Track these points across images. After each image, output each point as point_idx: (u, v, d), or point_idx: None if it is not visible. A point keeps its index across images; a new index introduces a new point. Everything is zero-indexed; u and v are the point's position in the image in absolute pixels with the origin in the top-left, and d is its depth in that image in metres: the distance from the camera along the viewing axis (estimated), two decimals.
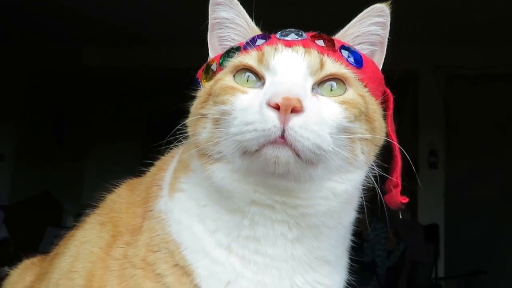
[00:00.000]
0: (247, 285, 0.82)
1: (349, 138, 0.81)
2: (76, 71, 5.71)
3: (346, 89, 0.84)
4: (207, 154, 0.83)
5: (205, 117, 0.84)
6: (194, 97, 0.91)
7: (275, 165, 0.76)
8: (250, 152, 0.77)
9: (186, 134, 0.90)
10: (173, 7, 4.53)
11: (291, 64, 0.81)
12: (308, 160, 0.77)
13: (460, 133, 5.41)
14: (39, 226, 4.67)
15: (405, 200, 0.86)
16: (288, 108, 0.73)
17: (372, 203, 0.90)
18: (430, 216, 5.10)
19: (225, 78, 0.85)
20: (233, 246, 0.83)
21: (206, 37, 0.96)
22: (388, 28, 0.93)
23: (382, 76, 0.93)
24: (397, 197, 0.86)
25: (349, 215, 0.91)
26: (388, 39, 0.94)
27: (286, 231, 0.83)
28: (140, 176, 1.04)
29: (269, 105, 0.74)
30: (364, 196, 0.91)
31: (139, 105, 6.25)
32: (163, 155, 1.03)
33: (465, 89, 5.31)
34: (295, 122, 0.74)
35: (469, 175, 5.50)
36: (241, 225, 0.83)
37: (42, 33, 5.20)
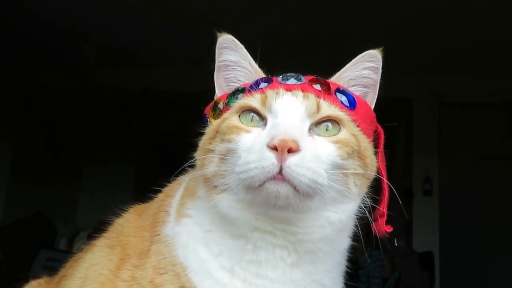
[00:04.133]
0: None
1: (343, 173, 0.87)
2: (73, 90, 5.75)
3: (340, 129, 0.91)
4: (213, 185, 0.89)
5: (212, 152, 0.91)
6: (202, 133, 0.99)
7: (276, 199, 0.83)
8: (254, 187, 0.84)
9: (193, 164, 0.97)
10: (173, 31, 4.61)
11: (290, 107, 0.90)
12: (305, 193, 0.84)
13: (454, 160, 5.44)
14: (32, 247, 4.63)
15: (389, 229, 0.94)
16: (284, 149, 0.81)
17: (366, 232, 0.94)
18: (425, 244, 5.09)
19: (231, 118, 0.93)
20: (235, 269, 0.89)
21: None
22: (380, 71, 1.00)
23: (374, 115, 1.01)
24: (382, 226, 0.94)
25: (344, 242, 0.97)
26: (380, 82, 1.02)
27: (285, 256, 0.90)
28: (147, 201, 1.08)
29: (268, 146, 0.82)
30: (358, 224, 0.97)
31: (134, 126, 6.27)
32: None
33: (458, 116, 5.37)
34: (291, 161, 0.81)
35: (464, 202, 5.50)
36: (244, 249, 0.90)
37: (38, 50, 5.26)
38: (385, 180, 0.96)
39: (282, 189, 0.82)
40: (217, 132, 0.93)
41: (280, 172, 0.81)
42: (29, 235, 4.94)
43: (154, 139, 6.34)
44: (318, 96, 0.92)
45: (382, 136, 0.99)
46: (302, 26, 4.33)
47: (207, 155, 0.92)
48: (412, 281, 4.71)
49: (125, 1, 4.25)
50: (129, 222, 1.03)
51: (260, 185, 0.83)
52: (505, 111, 5.28)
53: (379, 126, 1.00)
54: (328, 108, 0.92)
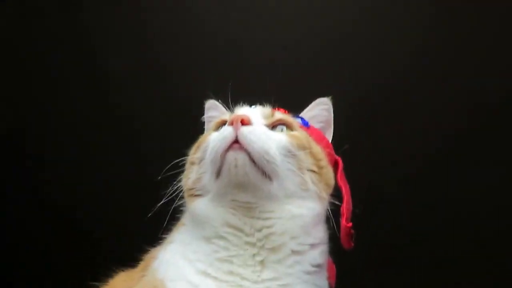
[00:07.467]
0: None
1: (297, 165, 0.97)
2: None
3: (293, 131, 1.04)
4: (194, 194, 1.01)
5: (194, 164, 1.04)
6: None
7: (236, 169, 0.91)
8: (217, 162, 0.94)
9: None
10: None
11: (249, 110, 1.07)
12: (261, 167, 0.92)
13: None
14: None
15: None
16: (238, 120, 0.93)
17: None
18: None
19: (209, 133, 1.07)
20: (209, 270, 0.94)
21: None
22: (332, 112, 1.20)
23: (331, 145, 1.13)
24: (345, 239, 1.03)
25: (315, 254, 0.99)
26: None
27: (255, 253, 0.95)
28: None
29: (227, 125, 0.96)
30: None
31: None
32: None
33: None
34: (245, 129, 0.93)
35: None
36: (218, 247, 0.96)
37: None
38: (345, 201, 1.07)
39: (239, 156, 0.90)
40: (197, 146, 1.06)
41: (236, 141, 0.91)
42: None
43: None
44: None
45: (341, 164, 1.12)
46: None
47: (190, 168, 1.04)
48: None
49: None
50: (117, 278, 1.12)
51: (221, 158, 0.92)
52: None
53: (338, 158, 1.13)
54: (282, 115, 1.06)
